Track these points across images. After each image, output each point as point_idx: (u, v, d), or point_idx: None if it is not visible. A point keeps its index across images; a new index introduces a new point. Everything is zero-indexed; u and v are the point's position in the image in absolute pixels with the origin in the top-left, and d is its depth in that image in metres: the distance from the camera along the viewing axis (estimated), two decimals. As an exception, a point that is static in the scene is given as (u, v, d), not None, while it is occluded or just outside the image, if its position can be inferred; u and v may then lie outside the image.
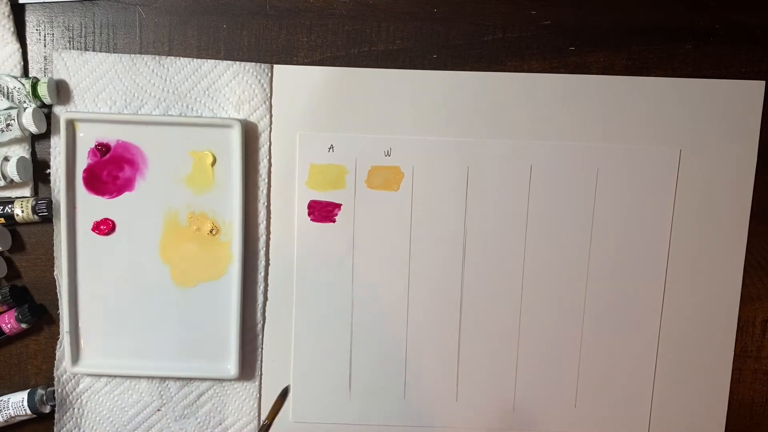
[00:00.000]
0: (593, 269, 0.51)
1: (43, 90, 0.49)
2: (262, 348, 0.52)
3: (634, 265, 0.51)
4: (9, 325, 0.51)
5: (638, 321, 0.52)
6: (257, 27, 0.50)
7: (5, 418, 0.52)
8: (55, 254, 0.51)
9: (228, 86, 0.50)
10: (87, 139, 0.50)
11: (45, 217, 0.50)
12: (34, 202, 0.50)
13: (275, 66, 0.50)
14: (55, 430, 0.53)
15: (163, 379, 0.52)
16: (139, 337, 0.51)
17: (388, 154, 0.50)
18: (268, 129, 0.50)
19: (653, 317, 0.52)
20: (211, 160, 0.50)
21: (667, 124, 0.50)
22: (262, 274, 0.52)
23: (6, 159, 0.50)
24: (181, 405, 0.53)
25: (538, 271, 0.51)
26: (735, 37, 0.49)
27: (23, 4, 0.49)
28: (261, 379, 0.53)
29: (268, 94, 0.50)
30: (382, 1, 0.50)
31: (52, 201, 0.50)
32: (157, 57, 0.50)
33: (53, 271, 0.52)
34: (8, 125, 0.48)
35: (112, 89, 0.50)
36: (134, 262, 0.51)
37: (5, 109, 0.49)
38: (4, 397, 0.52)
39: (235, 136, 0.49)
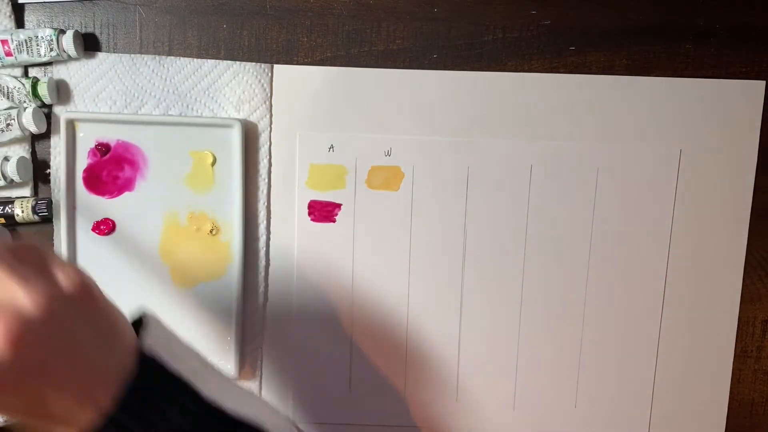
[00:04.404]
0: (593, 269, 0.51)
1: (43, 90, 0.48)
2: (262, 348, 0.52)
3: (634, 265, 0.51)
4: (9, 325, 0.51)
5: (638, 321, 0.52)
6: (257, 27, 0.50)
7: (5, 417, 0.52)
8: (55, 254, 0.51)
9: (228, 86, 0.50)
10: (87, 139, 0.50)
11: (45, 217, 0.50)
12: (34, 202, 0.50)
13: (275, 66, 0.50)
14: (55, 430, 0.53)
15: (163, 379, 0.52)
16: (139, 337, 0.51)
17: (388, 154, 0.50)
18: (268, 129, 0.50)
19: (653, 317, 0.52)
20: (211, 160, 0.50)
21: (667, 124, 0.50)
22: (262, 274, 0.52)
23: (6, 159, 0.50)
24: (181, 405, 0.53)
25: (538, 271, 0.51)
26: (735, 37, 0.49)
27: (23, 4, 0.49)
28: (261, 379, 0.53)
29: (268, 94, 0.50)
30: (382, 1, 0.50)
31: (52, 201, 0.50)
32: (157, 57, 0.50)
33: (53, 271, 0.52)
34: (8, 125, 0.48)
35: (112, 89, 0.50)
36: (134, 262, 0.51)
37: (5, 109, 0.49)
38: (4, 397, 0.52)
39: (235, 136, 0.49)
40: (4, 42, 0.48)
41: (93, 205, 0.50)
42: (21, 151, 0.50)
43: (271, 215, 0.51)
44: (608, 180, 0.50)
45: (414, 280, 0.52)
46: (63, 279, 0.32)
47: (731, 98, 0.50)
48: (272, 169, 0.51)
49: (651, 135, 0.50)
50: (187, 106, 0.50)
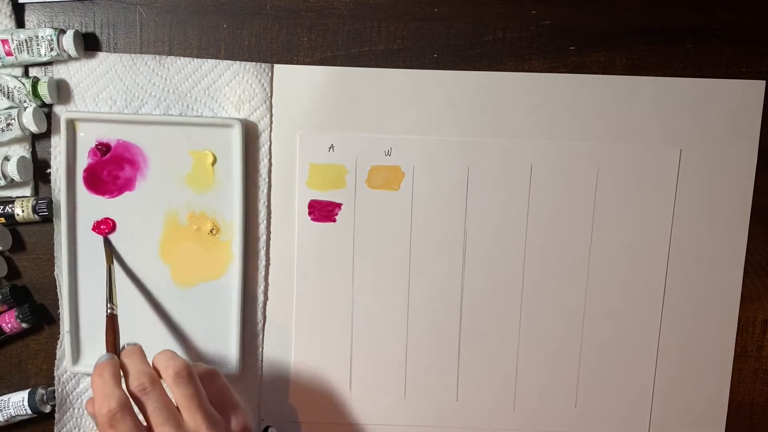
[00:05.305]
0: (593, 269, 0.51)
1: (43, 89, 0.49)
2: (262, 348, 0.52)
3: (634, 265, 0.51)
4: (9, 325, 0.51)
5: (638, 321, 0.52)
6: (257, 27, 0.50)
7: (5, 417, 0.52)
8: (55, 254, 0.51)
9: (228, 86, 0.50)
10: (87, 138, 0.50)
11: (45, 217, 0.50)
12: (34, 202, 0.50)
13: (275, 66, 0.50)
14: (55, 430, 0.53)
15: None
16: (139, 337, 0.51)
17: (388, 154, 0.50)
18: (269, 129, 0.50)
19: (653, 317, 0.52)
20: (211, 159, 0.50)
21: (667, 124, 0.50)
22: (262, 274, 0.52)
23: (6, 159, 0.50)
24: (181, 405, 0.53)
25: (539, 271, 0.51)
26: (735, 37, 0.49)
27: (23, 4, 0.49)
28: (261, 378, 0.53)
29: (269, 94, 0.50)
30: (382, 1, 0.50)
31: (52, 201, 0.50)
32: (157, 57, 0.50)
33: (53, 270, 0.52)
34: (8, 125, 0.48)
35: (112, 89, 0.50)
36: (134, 262, 0.51)
37: (6, 109, 0.49)
38: (4, 397, 0.52)
39: (236, 135, 0.49)
40: (5, 42, 0.48)
41: (93, 204, 0.50)
42: (21, 150, 0.50)
43: (271, 215, 0.51)
44: (608, 180, 0.51)
45: (414, 279, 0.52)
46: (234, 423, 0.42)
47: (731, 98, 0.50)
48: (272, 168, 0.51)
49: (651, 135, 0.50)
50: (188, 106, 0.50)
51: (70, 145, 0.49)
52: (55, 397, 0.52)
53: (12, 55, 0.48)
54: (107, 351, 0.44)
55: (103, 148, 0.50)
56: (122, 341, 0.45)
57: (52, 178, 0.51)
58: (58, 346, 0.52)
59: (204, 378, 0.43)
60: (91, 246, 0.51)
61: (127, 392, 0.39)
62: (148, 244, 0.51)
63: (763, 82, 0.50)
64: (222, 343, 0.52)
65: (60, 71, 0.50)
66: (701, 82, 0.50)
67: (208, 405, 0.41)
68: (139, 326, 0.51)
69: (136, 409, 0.39)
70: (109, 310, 0.46)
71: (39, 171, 0.51)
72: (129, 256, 0.51)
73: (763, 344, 0.53)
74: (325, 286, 0.52)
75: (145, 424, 0.39)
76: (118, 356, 0.43)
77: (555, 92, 0.50)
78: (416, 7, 0.50)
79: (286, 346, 0.52)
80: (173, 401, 0.40)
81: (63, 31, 0.48)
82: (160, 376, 0.41)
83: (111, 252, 0.50)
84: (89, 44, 0.50)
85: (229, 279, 0.51)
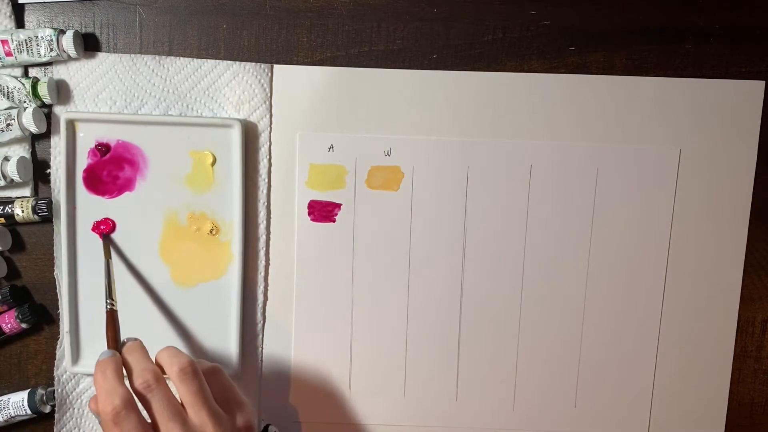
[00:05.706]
0: (593, 269, 0.51)
1: (43, 90, 0.49)
2: (262, 348, 0.52)
3: (634, 265, 0.51)
4: (9, 325, 0.51)
5: (638, 321, 0.52)
6: (257, 27, 0.50)
7: (5, 417, 0.52)
8: (55, 254, 0.51)
9: (228, 86, 0.50)
10: (87, 139, 0.50)
11: (45, 217, 0.50)
12: (34, 202, 0.50)
13: (275, 66, 0.50)
14: (55, 430, 0.53)
15: (163, 379, 0.52)
16: (139, 337, 0.51)
17: (388, 154, 0.50)
18: (268, 129, 0.50)
19: (653, 317, 0.52)
20: (211, 160, 0.50)
21: (667, 124, 0.50)
22: (262, 274, 0.52)
23: (6, 159, 0.50)
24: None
25: (538, 271, 0.51)
26: (735, 37, 0.49)
27: (23, 4, 0.49)
28: (261, 379, 0.53)
29: (268, 94, 0.50)
30: (382, 1, 0.50)
31: (52, 201, 0.50)
32: (157, 57, 0.50)
33: (53, 271, 0.52)
34: (8, 125, 0.48)
35: (112, 89, 0.50)
36: (134, 263, 0.51)
37: (5, 109, 0.49)
38: (4, 397, 0.52)
39: (235, 136, 0.49)
40: (4, 42, 0.48)
41: (93, 205, 0.50)
42: (21, 151, 0.50)
43: (271, 215, 0.51)
44: (608, 180, 0.51)
45: (414, 279, 0.52)
46: (239, 420, 0.42)
47: (731, 98, 0.50)
48: (272, 169, 0.51)
49: (651, 135, 0.50)
50: (187, 106, 0.50)
51: (70, 145, 0.49)
52: (54, 398, 0.52)
53: (12, 55, 0.48)
54: (108, 347, 0.43)
55: (102, 149, 0.50)
56: (121, 337, 0.45)
57: (52, 178, 0.51)
58: (58, 346, 0.52)
59: (207, 375, 0.42)
60: (90, 246, 0.51)
61: (130, 389, 0.39)
62: (148, 245, 0.51)
63: (763, 82, 0.50)
64: (222, 343, 0.52)
65: (60, 71, 0.50)
66: (701, 82, 0.50)
67: (212, 402, 0.41)
68: (139, 327, 0.51)
69: (140, 405, 0.39)
70: (108, 306, 0.46)
71: (39, 171, 0.51)
72: (129, 256, 0.51)
73: (762, 344, 0.53)
74: (325, 286, 0.52)
75: (149, 421, 0.39)
76: (120, 352, 0.43)
77: (555, 92, 0.50)
78: (416, 7, 0.50)
79: (286, 346, 0.52)
80: (177, 398, 0.40)
81: (63, 32, 0.48)
82: (163, 373, 0.41)
83: (109, 247, 0.49)
84: (89, 44, 0.50)
85: (228, 279, 0.51)
